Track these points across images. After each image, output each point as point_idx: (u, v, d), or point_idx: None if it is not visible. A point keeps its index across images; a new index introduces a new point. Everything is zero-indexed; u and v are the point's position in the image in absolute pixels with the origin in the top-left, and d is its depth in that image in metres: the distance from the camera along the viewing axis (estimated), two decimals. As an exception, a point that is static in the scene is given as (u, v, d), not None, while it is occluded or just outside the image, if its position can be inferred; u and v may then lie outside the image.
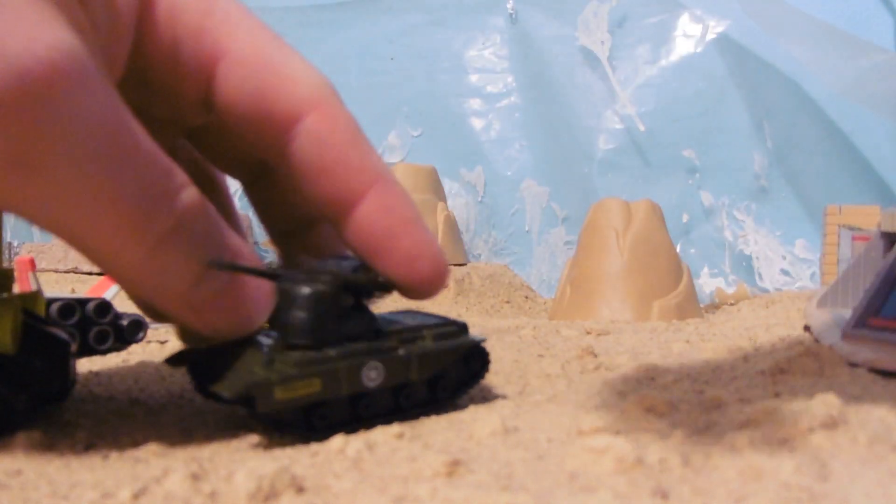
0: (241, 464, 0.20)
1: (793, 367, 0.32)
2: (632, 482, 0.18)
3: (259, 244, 0.97)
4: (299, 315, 0.24)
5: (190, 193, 0.22)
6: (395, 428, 0.23)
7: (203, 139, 0.28)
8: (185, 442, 0.23)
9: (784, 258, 1.16)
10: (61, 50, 0.18)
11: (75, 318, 0.35)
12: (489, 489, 0.17)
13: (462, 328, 0.28)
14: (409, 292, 0.25)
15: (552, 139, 1.26)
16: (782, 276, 1.15)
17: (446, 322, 0.28)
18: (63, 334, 0.26)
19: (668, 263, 0.78)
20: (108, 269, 0.22)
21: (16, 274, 0.39)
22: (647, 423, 0.24)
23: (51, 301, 0.35)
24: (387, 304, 0.28)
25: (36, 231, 1.77)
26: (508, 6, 1.28)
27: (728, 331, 0.54)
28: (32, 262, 0.43)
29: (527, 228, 1.27)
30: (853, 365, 0.33)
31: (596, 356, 0.39)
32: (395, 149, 1.32)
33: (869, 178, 1.17)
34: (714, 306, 0.98)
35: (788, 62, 1.16)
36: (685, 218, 1.20)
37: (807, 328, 0.44)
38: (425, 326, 0.27)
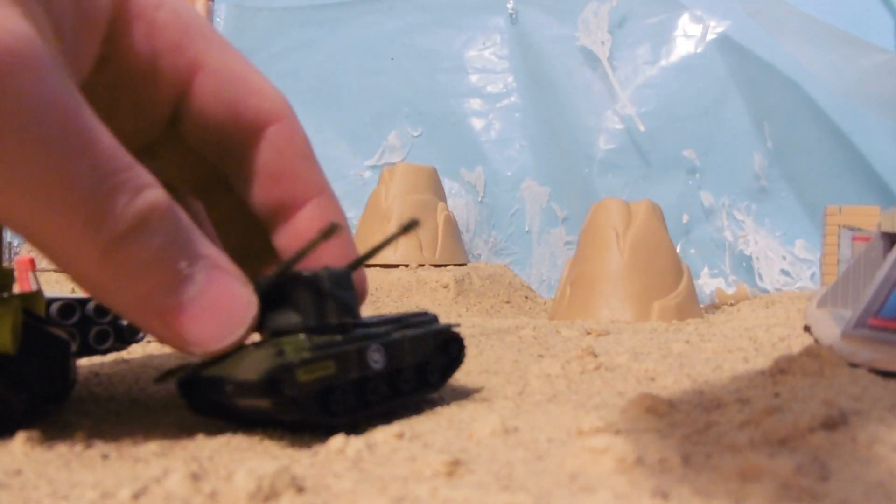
0: (241, 464, 0.20)
1: (793, 367, 0.32)
2: (632, 482, 0.18)
3: None
4: (306, 299, 0.24)
5: (154, 194, 0.21)
6: (395, 428, 0.23)
7: (156, 154, 0.29)
8: (185, 442, 0.23)
9: (784, 258, 1.16)
10: (15, 34, 0.19)
11: (75, 318, 0.35)
12: (489, 489, 0.17)
13: (433, 317, 0.29)
14: None
15: (552, 139, 1.26)
16: (782, 277, 1.15)
17: (416, 313, 0.29)
18: (63, 334, 0.26)
19: (668, 263, 0.78)
20: (65, 269, 0.21)
21: (16, 274, 0.39)
22: (647, 423, 0.24)
23: (51, 301, 0.35)
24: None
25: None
26: (508, 6, 1.28)
27: (728, 331, 0.54)
28: (32, 262, 0.43)
29: (527, 228, 1.27)
30: (853, 365, 0.33)
31: (596, 356, 0.39)
32: (395, 149, 1.32)
33: (869, 178, 1.16)
34: (714, 306, 0.98)
35: (789, 62, 1.16)
36: (685, 218, 1.20)
37: (807, 328, 0.44)
38: (401, 317, 0.28)
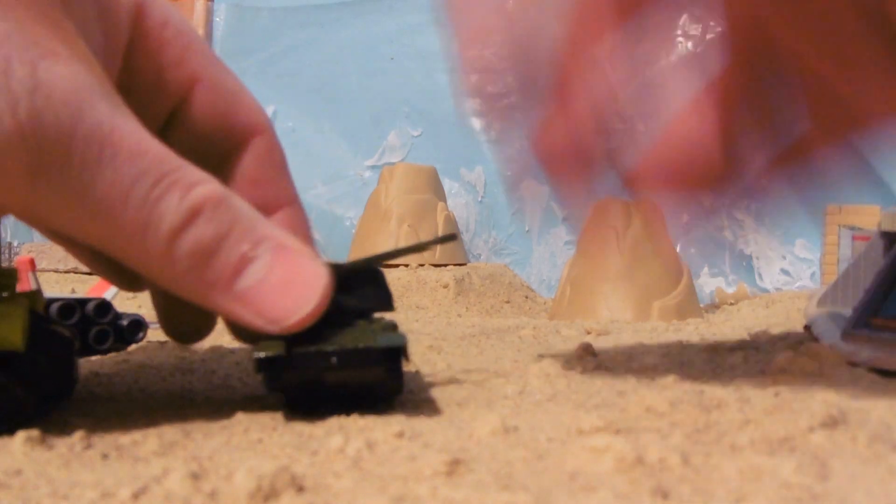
0: (241, 463, 0.20)
1: (793, 367, 0.32)
2: (632, 481, 0.18)
3: None
4: (373, 287, 0.27)
5: (204, 189, 0.23)
6: (395, 427, 0.23)
7: None
8: (184, 441, 0.23)
9: (784, 258, 1.16)
10: (61, 74, 0.21)
11: (75, 318, 0.35)
12: (489, 488, 0.17)
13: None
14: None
15: (552, 139, 1.26)
16: (782, 276, 1.15)
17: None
18: (67, 332, 0.27)
19: (668, 263, 0.78)
20: (138, 269, 0.24)
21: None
22: (647, 423, 0.24)
23: (51, 301, 0.35)
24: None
25: (36, 231, 1.76)
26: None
27: (728, 331, 0.54)
28: (32, 262, 0.43)
29: (527, 228, 1.27)
30: (853, 365, 0.33)
31: (596, 356, 0.39)
32: (395, 149, 1.32)
33: (869, 178, 1.16)
34: (714, 306, 0.98)
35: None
36: (685, 218, 1.20)
37: (807, 328, 0.44)
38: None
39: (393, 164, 1.19)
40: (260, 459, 0.21)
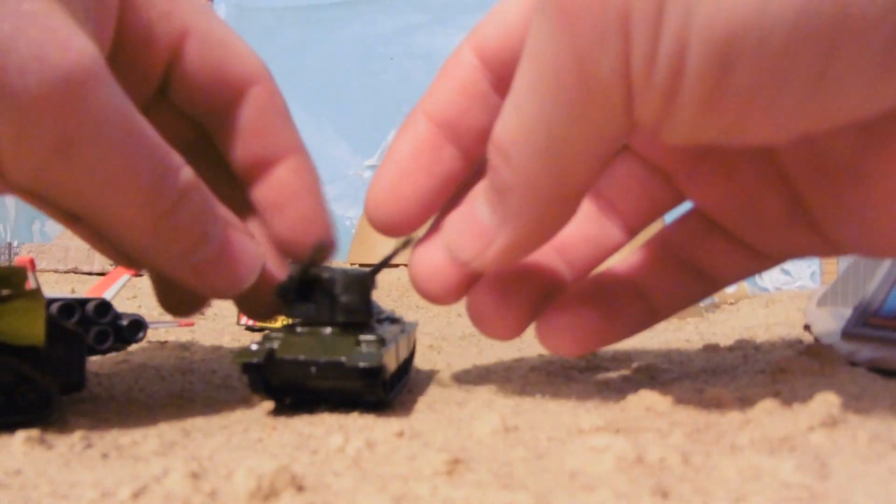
0: (241, 462, 0.20)
1: (793, 367, 0.32)
2: (632, 481, 0.18)
3: None
4: (355, 298, 0.27)
5: (187, 172, 0.25)
6: (395, 426, 0.23)
7: (148, 118, 0.30)
8: (184, 441, 0.23)
9: (784, 258, 1.16)
10: (88, 55, 0.22)
11: (75, 318, 0.35)
12: (489, 488, 0.17)
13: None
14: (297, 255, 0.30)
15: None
16: (782, 276, 1.16)
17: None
18: (77, 329, 0.29)
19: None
20: (121, 239, 0.25)
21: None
22: (647, 423, 0.24)
23: (51, 301, 0.35)
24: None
25: (36, 231, 1.77)
26: (508, 6, 1.28)
27: (728, 330, 0.54)
28: (32, 262, 0.43)
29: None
30: (853, 364, 0.33)
31: (596, 356, 0.39)
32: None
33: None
34: (714, 306, 0.98)
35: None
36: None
37: (807, 327, 0.44)
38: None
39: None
40: (260, 459, 0.21)
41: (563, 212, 0.24)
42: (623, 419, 0.24)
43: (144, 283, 1.09)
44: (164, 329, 0.53)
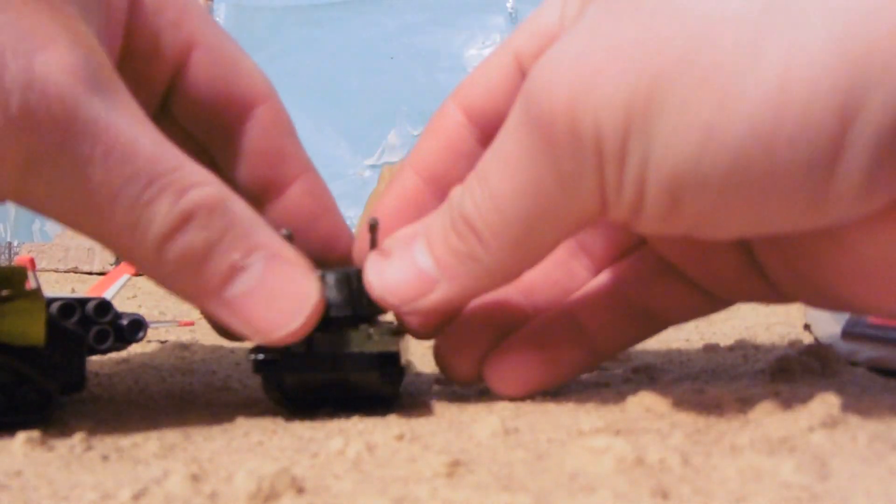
0: (241, 465, 0.20)
1: (793, 367, 0.32)
2: (632, 482, 0.18)
3: None
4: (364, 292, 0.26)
5: (200, 192, 0.22)
6: (395, 429, 0.23)
7: None
8: (184, 443, 0.23)
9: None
10: (58, 65, 0.21)
11: (75, 318, 0.35)
12: (489, 489, 0.17)
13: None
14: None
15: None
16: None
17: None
18: (77, 329, 0.29)
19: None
20: (130, 262, 0.24)
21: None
22: (647, 423, 0.24)
23: (51, 301, 0.35)
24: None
25: (36, 231, 1.77)
26: (508, 5, 1.28)
27: (728, 330, 0.54)
28: (32, 262, 0.43)
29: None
30: (853, 363, 0.33)
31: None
32: (395, 148, 1.32)
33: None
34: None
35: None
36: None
37: (807, 327, 0.44)
38: None
39: (393, 163, 1.19)
40: (260, 461, 0.21)
41: (517, 275, 0.25)
42: (623, 420, 0.24)
43: (144, 282, 1.09)
44: (164, 329, 0.53)
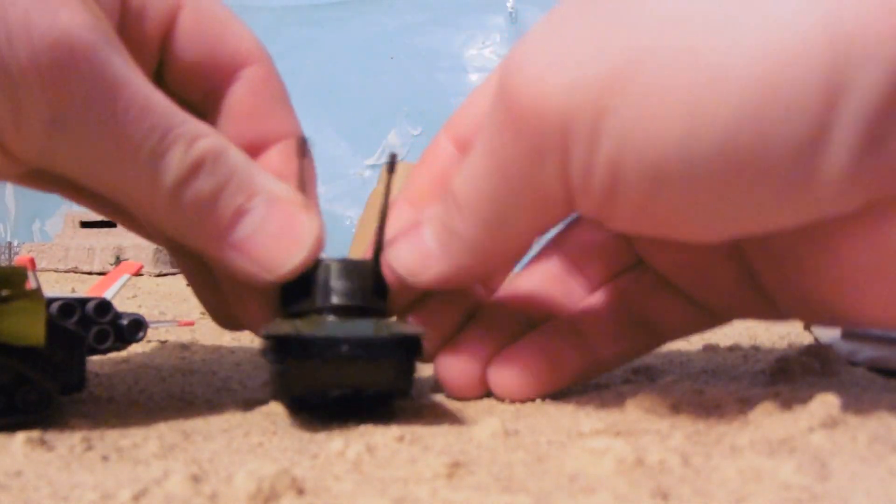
0: (241, 465, 0.20)
1: (793, 367, 0.32)
2: (632, 483, 0.18)
3: None
4: (370, 284, 0.26)
5: (206, 142, 0.24)
6: (395, 430, 0.23)
7: None
8: (185, 443, 0.23)
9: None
10: (78, 23, 0.21)
11: (75, 318, 0.35)
12: (489, 490, 0.17)
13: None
14: None
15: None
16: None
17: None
18: (77, 329, 0.28)
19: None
20: (144, 215, 0.25)
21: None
22: (647, 424, 0.24)
23: (51, 300, 0.35)
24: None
25: (36, 231, 1.77)
26: (508, 5, 1.28)
27: (728, 330, 0.54)
28: (32, 262, 0.43)
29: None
30: (853, 363, 0.33)
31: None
32: (395, 148, 1.32)
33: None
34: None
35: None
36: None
37: (807, 327, 0.44)
38: None
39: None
40: (260, 462, 0.21)
41: (501, 263, 0.26)
42: (623, 421, 0.24)
43: (144, 282, 1.09)
44: (164, 329, 0.53)
